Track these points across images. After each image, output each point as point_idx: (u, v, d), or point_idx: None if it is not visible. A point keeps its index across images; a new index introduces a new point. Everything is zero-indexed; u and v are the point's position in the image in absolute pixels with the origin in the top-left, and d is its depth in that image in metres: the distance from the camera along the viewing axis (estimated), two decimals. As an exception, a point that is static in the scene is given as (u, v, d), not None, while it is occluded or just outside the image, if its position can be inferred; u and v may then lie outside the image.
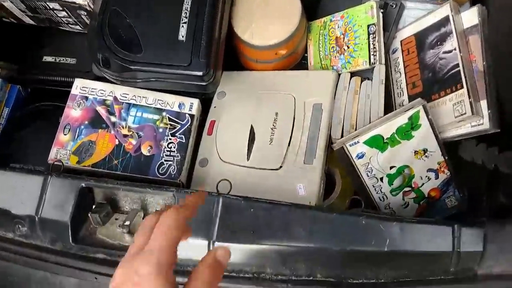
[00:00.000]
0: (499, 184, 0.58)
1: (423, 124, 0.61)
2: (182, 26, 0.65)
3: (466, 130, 0.61)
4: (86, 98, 0.72)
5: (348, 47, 0.72)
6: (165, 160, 0.68)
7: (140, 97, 0.72)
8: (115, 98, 0.72)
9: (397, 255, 0.49)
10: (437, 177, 0.64)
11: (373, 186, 0.64)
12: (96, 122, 0.70)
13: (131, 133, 0.70)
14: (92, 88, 0.72)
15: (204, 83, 0.66)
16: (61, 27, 0.81)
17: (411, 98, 0.69)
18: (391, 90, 0.71)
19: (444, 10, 0.66)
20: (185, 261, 0.52)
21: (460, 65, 0.63)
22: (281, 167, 0.66)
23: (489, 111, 0.59)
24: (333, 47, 0.75)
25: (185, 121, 0.71)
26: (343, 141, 0.63)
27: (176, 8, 0.66)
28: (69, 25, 0.80)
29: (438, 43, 0.67)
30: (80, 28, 0.80)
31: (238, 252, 0.51)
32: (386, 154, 0.63)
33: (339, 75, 0.73)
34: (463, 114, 0.60)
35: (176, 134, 0.70)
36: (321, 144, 0.66)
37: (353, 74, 0.72)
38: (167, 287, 0.31)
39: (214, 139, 0.73)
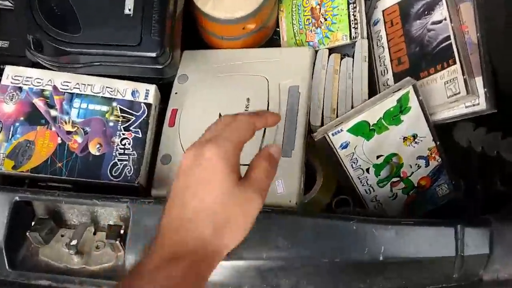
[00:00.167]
0: (495, 171, 0.52)
1: (413, 107, 0.54)
2: (129, -4, 0.53)
3: (460, 111, 0.55)
4: (20, 89, 0.60)
5: (325, 19, 0.63)
6: (118, 160, 0.58)
7: (84, 85, 0.61)
8: (55, 88, 0.60)
9: (394, 263, 0.42)
10: (427, 165, 0.58)
11: (359, 178, 0.58)
12: (33, 117, 0.59)
13: (75, 129, 0.59)
14: (27, 77, 0.60)
15: (159, 66, 0.56)
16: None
17: (396, 76, 0.61)
18: (374, 67, 0.64)
19: (432, -26, 0.58)
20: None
21: (452, 37, 0.55)
22: (255, 161, 0.58)
23: (485, 89, 0.53)
24: (308, 19, 0.66)
25: (141, 111, 0.61)
26: (325, 130, 0.55)
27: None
28: (-5, 0, 0.66)
29: (426, 12, 0.59)
30: (10, 4, 0.66)
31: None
32: (372, 142, 0.56)
33: (316, 51, 0.64)
34: (457, 94, 0.54)
35: (131, 128, 0.60)
36: (299, 133, 0.57)
37: (331, 50, 0.64)
38: (229, 170, 0.35)
39: (177, 131, 0.63)
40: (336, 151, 0.55)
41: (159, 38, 0.53)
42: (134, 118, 0.60)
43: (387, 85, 0.62)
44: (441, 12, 0.57)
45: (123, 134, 0.59)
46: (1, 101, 0.59)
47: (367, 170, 0.57)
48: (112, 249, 0.49)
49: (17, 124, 0.58)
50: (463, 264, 0.42)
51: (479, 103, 0.53)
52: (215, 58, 0.68)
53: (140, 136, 0.60)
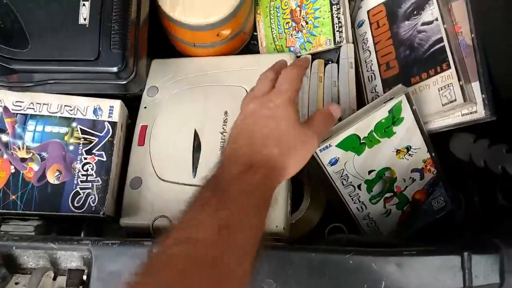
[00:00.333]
0: (496, 183, 0.48)
1: (405, 117, 0.50)
2: (83, 4, 0.47)
3: (456, 119, 0.50)
4: (-35, 111, 0.52)
5: (306, 23, 0.58)
6: (81, 189, 0.52)
7: (40, 104, 0.54)
8: (6, 109, 0.53)
9: (396, 300, 0.38)
10: (422, 178, 0.54)
11: (350, 196, 0.53)
12: (-20, 143, 0.52)
13: (31, 155, 0.52)
14: (-28, 97, 0.53)
15: (122, 82, 0.49)
16: None
17: (385, 82, 0.56)
18: (360, 72, 0.59)
19: (420, -30, 0.53)
20: None
21: (445, 39, 0.51)
22: (236, 182, 0.52)
23: (484, 96, 0.48)
24: (288, 22, 0.60)
25: (104, 131, 0.54)
26: (312, 146, 0.49)
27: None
28: None
29: (415, 12, 0.55)
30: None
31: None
32: (363, 157, 0.51)
33: (298, 57, 0.59)
34: (453, 101, 0.49)
35: (93, 151, 0.53)
36: (283, 149, 0.52)
37: (314, 56, 0.59)
38: (294, 112, 0.42)
39: (148, 150, 0.57)
40: (325, 168, 0.50)
41: (120, 50, 0.46)
42: (97, 139, 0.53)
43: (375, 91, 0.57)
44: (431, 12, 0.53)
45: (85, 158, 0.53)
46: None
47: (359, 186, 0.52)
48: (75, 297, 0.43)
49: (-38, 152, 0.51)
50: (472, 296, 0.37)
51: (477, 110, 0.49)
52: (187, 67, 0.62)
53: (105, 159, 0.53)
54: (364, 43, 0.59)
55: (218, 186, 0.37)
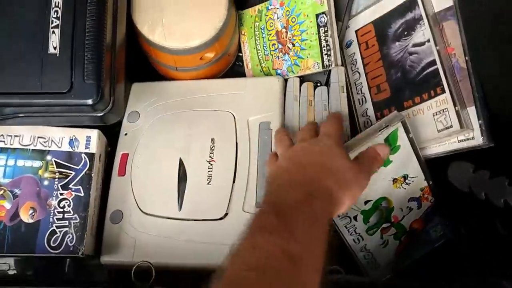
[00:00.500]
0: (496, 213, 0.46)
1: (402, 145, 0.47)
2: (53, 32, 0.43)
3: (452, 146, 0.48)
4: None
5: (293, 45, 0.55)
6: (57, 227, 0.48)
7: (10, 136, 0.50)
8: (-27, 142, 0.49)
9: None
10: (419, 207, 0.51)
11: (346, 227, 0.50)
12: None
13: (2, 192, 0.49)
14: None
15: (99, 114, 0.46)
16: None
17: (376, 105, 0.54)
18: (350, 95, 0.56)
19: (409, -11, 0.51)
20: None
21: (438, 62, 0.49)
22: (226, 214, 0.49)
23: (480, 122, 0.46)
24: (274, 44, 0.58)
25: (81, 164, 0.50)
26: (303, 177, 0.47)
27: (40, 4, 0.43)
28: None
29: (405, 32, 0.53)
30: None
31: None
32: (358, 187, 0.48)
33: (286, 80, 0.56)
34: (449, 128, 0.47)
35: (70, 186, 0.49)
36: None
37: (302, 78, 0.56)
38: (344, 152, 0.43)
39: (129, 181, 0.53)
40: (317, 200, 0.47)
41: (94, 81, 0.43)
42: (73, 173, 0.50)
43: (367, 115, 0.55)
44: (423, 33, 0.51)
45: (61, 194, 0.49)
46: None
47: (355, 217, 0.50)
48: None
49: None
50: None
51: (474, 137, 0.47)
52: (170, 91, 0.59)
53: (82, 195, 0.49)
54: (353, 64, 0.57)
55: (280, 212, 0.36)
